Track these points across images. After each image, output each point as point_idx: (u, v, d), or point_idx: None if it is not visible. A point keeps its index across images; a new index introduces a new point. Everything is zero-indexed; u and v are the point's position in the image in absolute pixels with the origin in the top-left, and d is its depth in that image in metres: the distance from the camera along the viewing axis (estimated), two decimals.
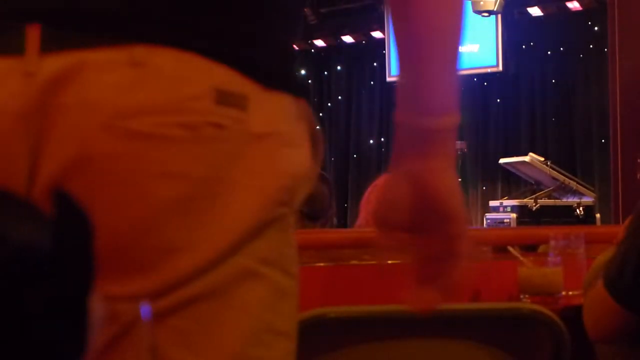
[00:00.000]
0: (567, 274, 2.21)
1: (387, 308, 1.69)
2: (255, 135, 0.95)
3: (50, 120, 0.90)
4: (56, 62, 0.90)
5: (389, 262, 2.39)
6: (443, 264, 1.04)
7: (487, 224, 7.30)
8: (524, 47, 9.57)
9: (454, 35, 1.07)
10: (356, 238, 2.47)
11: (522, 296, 2.20)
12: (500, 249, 2.50)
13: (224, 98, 0.94)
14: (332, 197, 3.77)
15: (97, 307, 0.81)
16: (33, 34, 0.90)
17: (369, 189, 2.81)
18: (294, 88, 1.00)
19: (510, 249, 2.27)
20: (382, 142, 10.56)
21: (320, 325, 1.66)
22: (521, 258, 2.21)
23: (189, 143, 0.92)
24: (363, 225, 2.72)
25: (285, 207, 0.98)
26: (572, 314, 1.96)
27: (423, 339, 1.70)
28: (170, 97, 0.92)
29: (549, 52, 9.50)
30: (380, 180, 2.82)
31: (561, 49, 9.43)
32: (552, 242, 2.29)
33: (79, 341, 0.77)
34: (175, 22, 0.94)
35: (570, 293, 2.22)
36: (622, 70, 4.23)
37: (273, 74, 0.98)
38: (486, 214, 7.55)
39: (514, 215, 6.98)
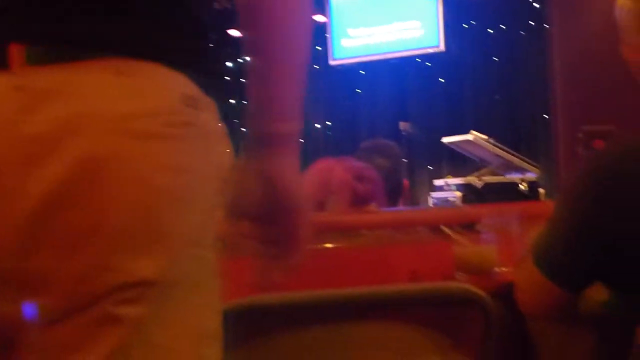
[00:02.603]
0: (501, 251, 2.24)
1: (319, 293, 1.71)
2: (207, 131, 1.15)
3: (49, 128, 1.03)
4: (45, 76, 1.05)
5: (331, 246, 2.41)
6: (286, 247, 1.25)
7: (433, 203, 7.35)
8: (465, 26, 9.63)
9: (299, 54, 1.28)
10: None
11: (458, 275, 2.23)
12: (437, 230, 2.52)
13: (187, 100, 1.12)
14: None
15: None
16: (17, 51, 1.06)
17: (306, 173, 2.82)
18: (216, 92, 1.20)
19: (444, 228, 2.30)
20: (328, 125, 10.57)
21: (253, 312, 1.67)
22: (455, 237, 2.23)
23: (175, 139, 1.10)
24: None
25: (221, 196, 1.17)
26: (507, 291, 2.00)
27: (356, 322, 1.72)
28: (157, 101, 1.10)
29: (490, 30, 9.57)
30: (318, 166, 2.83)
31: (502, 26, 9.50)
32: (485, 220, 2.32)
33: None
34: (144, 40, 1.12)
35: (505, 270, 2.25)
36: (562, 47, 4.28)
37: (207, 81, 1.18)
38: (431, 193, 7.60)
39: (459, 193, 7.04)
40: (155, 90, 1.10)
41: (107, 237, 1.04)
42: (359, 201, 2.70)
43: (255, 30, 1.25)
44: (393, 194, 2.97)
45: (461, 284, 1.73)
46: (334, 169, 2.74)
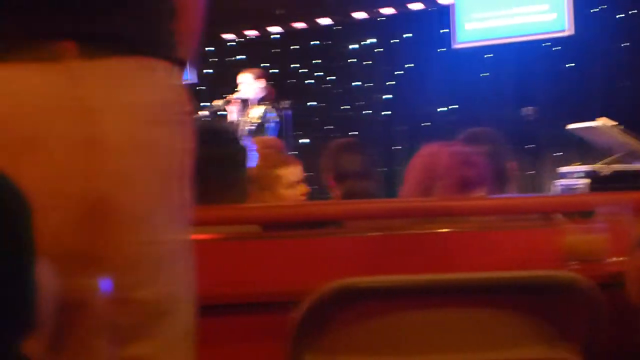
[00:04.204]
0: (614, 240, 2.18)
1: (422, 277, 1.69)
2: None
3: (93, 111, 1.27)
4: (93, 67, 1.28)
5: (440, 230, 2.39)
6: None
7: (559, 190, 7.22)
8: (594, 10, 9.40)
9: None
10: (404, 208, 2.47)
11: (568, 263, 2.18)
12: (548, 217, 2.47)
13: (186, 91, 1.42)
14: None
15: (48, 280, 0.87)
16: (71, 47, 1.27)
17: (414, 159, 2.79)
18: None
19: (556, 215, 2.25)
20: (452, 109, 10.47)
21: (356, 293, 1.67)
22: (566, 225, 2.18)
23: (186, 125, 1.40)
24: (406, 194, 2.72)
25: None
26: (618, 281, 1.94)
27: (458, 308, 1.70)
28: (174, 93, 1.39)
29: (620, 15, 9.31)
30: (425, 150, 2.80)
31: (632, 11, 9.23)
32: (599, 209, 2.26)
33: (27, 312, 0.83)
34: (155, 40, 1.38)
35: (616, 259, 2.18)
36: None
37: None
38: (558, 180, 7.45)
39: (585, 180, 6.88)
40: (170, 83, 1.39)
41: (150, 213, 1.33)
42: (466, 187, 2.66)
43: None
44: (499, 179, 2.91)
45: (567, 272, 1.69)
46: (440, 154, 2.71)
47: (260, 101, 7.80)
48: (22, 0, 1.28)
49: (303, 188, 3.73)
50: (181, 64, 1.43)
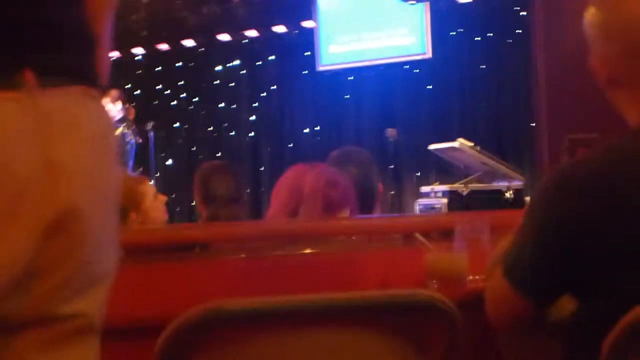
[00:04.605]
0: (473, 259, 2.24)
1: (285, 299, 1.70)
2: None
3: (53, 137, 1.36)
4: (50, 97, 1.37)
5: (304, 252, 2.41)
6: None
7: (420, 210, 7.37)
8: (453, 33, 9.65)
9: None
10: (270, 230, 2.48)
11: (429, 282, 2.23)
12: (411, 237, 2.52)
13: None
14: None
15: None
16: (31, 77, 1.36)
17: (280, 180, 2.82)
18: None
19: (417, 235, 2.30)
20: (316, 130, 10.58)
21: (219, 317, 1.66)
22: (427, 244, 2.23)
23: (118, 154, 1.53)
24: (272, 216, 2.74)
25: None
26: (477, 300, 2.00)
27: (319, 328, 1.71)
28: (110, 120, 1.58)
29: (477, 38, 9.59)
30: (290, 172, 2.83)
31: (489, 34, 9.52)
32: (458, 228, 2.32)
33: None
34: (92, 71, 1.50)
35: (477, 278, 2.25)
36: (547, 55, 4.28)
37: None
38: (418, 200, 7.61)
39: (444, 200, 7.05)
40: (107, 112, 1.51)
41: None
42: (331, 208, 2.69)
43: None
44: (366, 200, 2.96)
45: (426, 291, 1.72)
46: (306, 175, 2.73)
47: (118, 123, 7.72)
48: None
49: (163, 197, 3.75)
50: (104, 92, 1.55)
